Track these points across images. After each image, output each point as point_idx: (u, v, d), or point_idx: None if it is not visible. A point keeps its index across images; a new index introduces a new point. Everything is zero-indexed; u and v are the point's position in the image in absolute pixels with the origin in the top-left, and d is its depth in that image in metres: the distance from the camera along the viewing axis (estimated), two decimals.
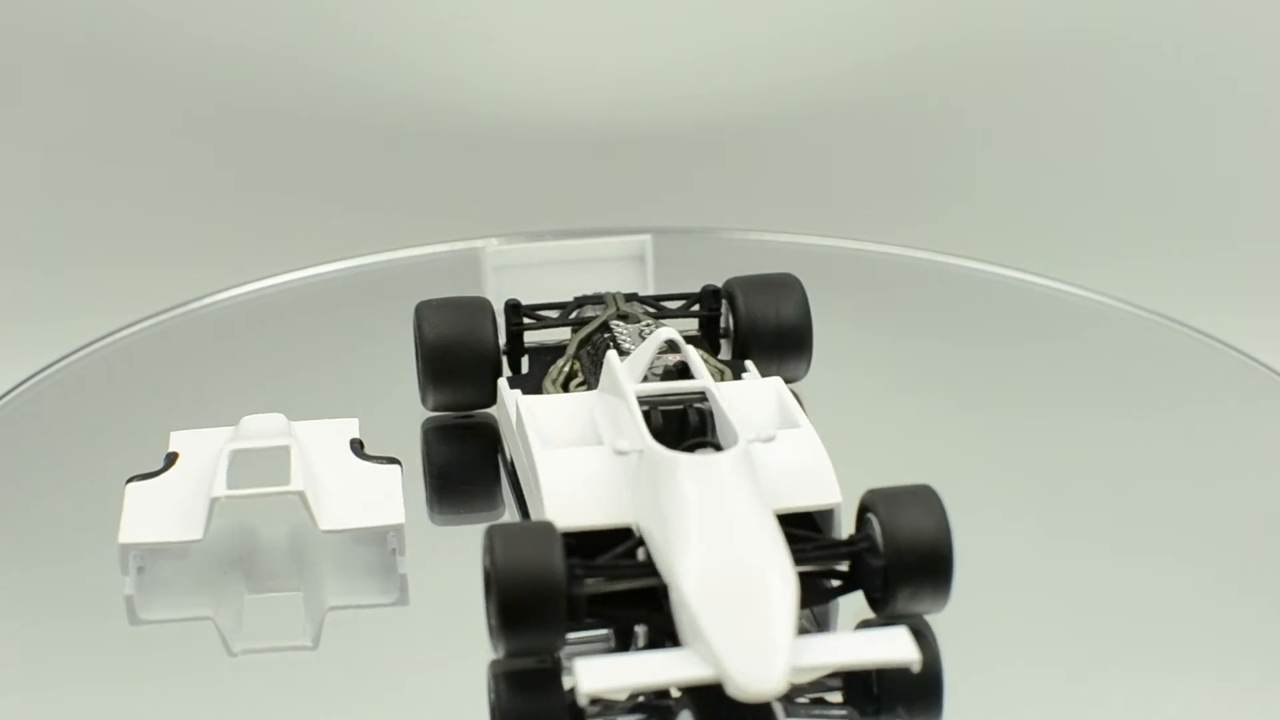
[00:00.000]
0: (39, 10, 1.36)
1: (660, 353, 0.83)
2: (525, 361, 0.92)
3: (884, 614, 0.75)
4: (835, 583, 0.75)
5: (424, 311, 0.90)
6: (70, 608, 0.81)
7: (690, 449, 0.76)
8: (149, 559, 0.81)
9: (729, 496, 0.72)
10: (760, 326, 0.91)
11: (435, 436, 0.91)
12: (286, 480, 0.80)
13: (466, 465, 0.90)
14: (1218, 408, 0.98)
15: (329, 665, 0.78)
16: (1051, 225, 1.44)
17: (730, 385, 0.84)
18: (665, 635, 0.72)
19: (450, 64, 1.38)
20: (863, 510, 0.75)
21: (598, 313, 0.91)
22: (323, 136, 1.39)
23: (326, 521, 0.80)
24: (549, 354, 0.90)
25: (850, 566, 0.75)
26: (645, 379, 0.81)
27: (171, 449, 0.85)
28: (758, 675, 0.67)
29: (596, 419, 0.81)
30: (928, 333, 1.05)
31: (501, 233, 1.14)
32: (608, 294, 0.92)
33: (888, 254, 1.15)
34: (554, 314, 0.92)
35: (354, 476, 0.83)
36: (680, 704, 0.72)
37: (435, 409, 0.91)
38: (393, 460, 0.85)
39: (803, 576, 0.73)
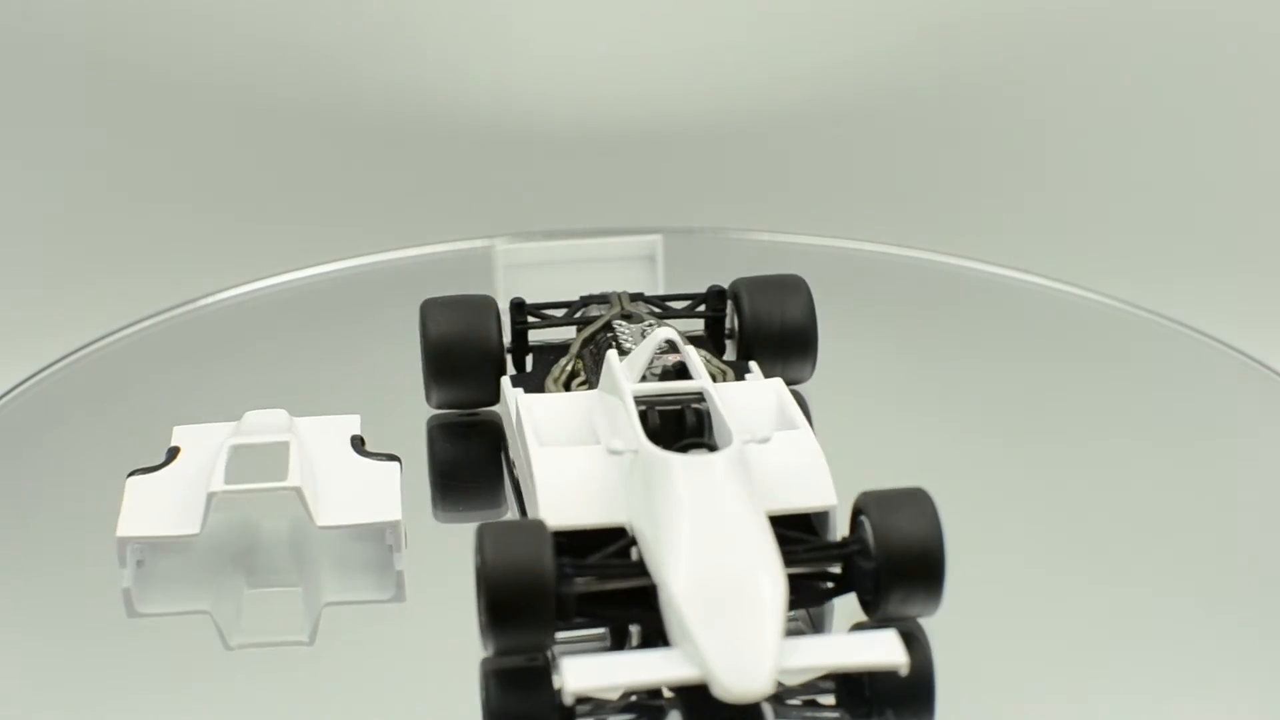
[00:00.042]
0: (39, 10, 1.36)
1: (661, 352, 0.83)
2: (530, 360, 0.92)
3: (876, 617, 0.74)
4: (829, 585, 0.75)
5: (429, 309, 0.90)
6: (70, 600, 0.81)
7: (684, 449, 0.76)
8: (149, 552, 0.81)
9: (721, 497, 0.72)
10: (765, 328, 0.91)
11: (440, 434, 0.91)
12: (285, 476, 0.81)
13: (470, 463, 0.91)
14: (1218, 409, 0.97)
15: (324, 661, 0.78)
16: (1053, 226, 1.44)
17: (730, 386, 0.83)
18: (657, 635, 0.72)
19: (455, 63, 1.39)
20: (856, 513, 0.75)
21: (603, 312, 0.91)
22: (329, 136, 1.40)
23: (323, 517, 0.81)
24: (554, 353, 0.90)
25: (842, 569, 0.75)
26: (644, 379, 0.81)
27: (174, 443, 0.86)
28: (744, 676, 0.67)
29: (595, 418, 0.81)
30: (934, 335, 1.05)
31: (508, 232, 1.14)
32: (613, 293, 0.92)
33: (900, 256, 1.14)
34: (559, 313, 0.92)
35: (353, 473, 0.84)
36: (672, 704, 0.72)
37: (439, 407, 0.91)
38: (392, 457, 0.85)
39: (796, 578, 0.73)
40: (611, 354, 0.83)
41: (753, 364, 0.89)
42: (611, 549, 0.74)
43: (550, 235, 1.06)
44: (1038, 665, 0.77)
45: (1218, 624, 0.80)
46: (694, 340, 0.90)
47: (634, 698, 0.72)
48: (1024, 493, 0.89)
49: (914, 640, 0.75)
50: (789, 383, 0.91)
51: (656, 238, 0.99)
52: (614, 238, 0.99)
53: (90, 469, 0.90)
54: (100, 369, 1.01)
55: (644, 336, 0.86)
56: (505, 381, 0.88)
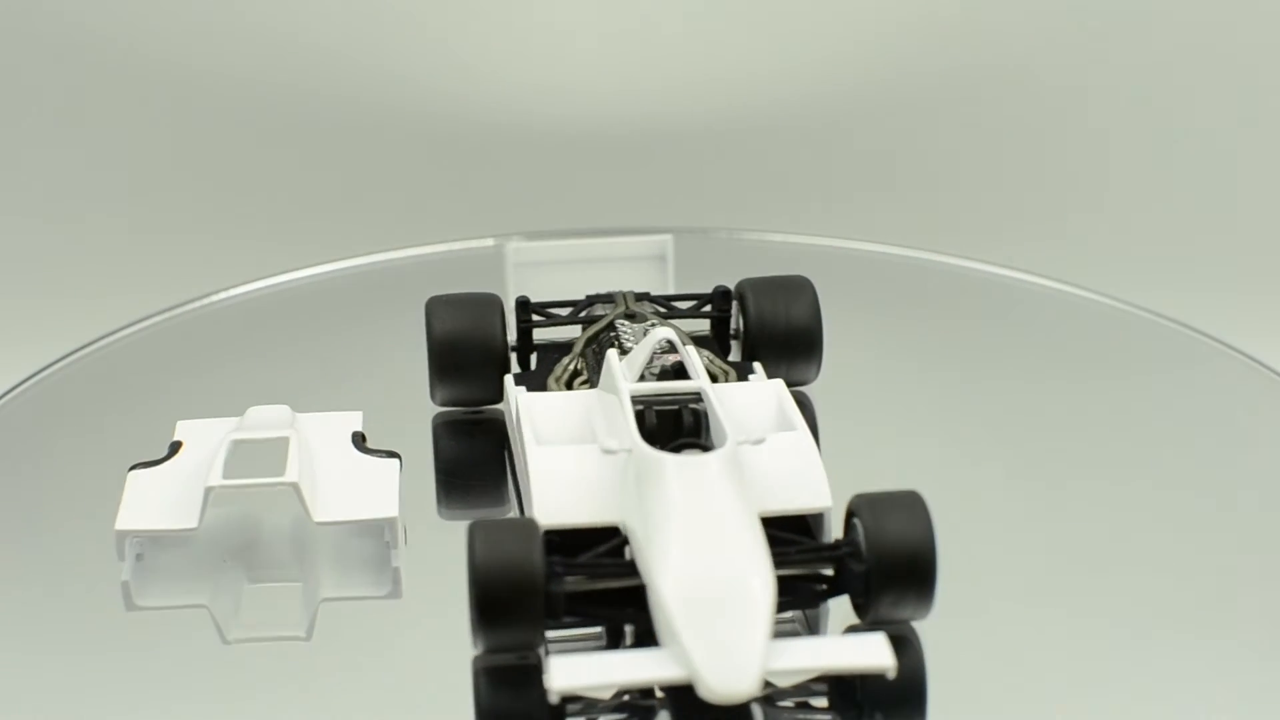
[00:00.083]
0: (39, 10, 1.37)
1: (662, 352, 0.83)
2: (534, 359, 0.92)
3: (868, 620, 0.74)
4: (821, 587, 0.75)
5: (434, 307, 0.91)
6: (70, 593, 0.82)
7: (678, 449, 0.76)
8: (148, 546, 0.82)
9: (712, 498, 0.72)
10: (770, 328, 0.91)
11: (444, 432, 0.92)
12: (284, 471, 0.81)
13: (474, 461, 0.91)
14: (1218, 409, 0.97)
15: (320, 656, 0.78)
16: (1053, 226, 1.43)
17: (729, 387, 0.83)
18: (649, 635, 0.72)
19: (455, 63, 1.39)
20: (849, 515, 0.75)
21: (607, 311, 0.91)
22: (331, 137, 1.40)
23: (321, 513, 0.81)
24: (559, 351, 0.90)
25: (835, 571, 0.75)
26: (643, 378, 0.81)
27: (176, 438, 0.86)
28: (729, 678, 0.67)
29: (594, 418, 0.81)
30: (940, 336, 1.05)
31: (511, 232, 1.14)
32: (617, 293, 0.92)
33: (907, 257, 1.14)
34: (564, 311, 0.92)
35: (352, 469, 0.84)
36: (664, 704, 0.72)
37: (443, 404, 0.92)
38: (393, 454, 0.85)
39: (788, 580, 0.73)
40: (611, 353, 0.83)
41: (756, 365, 0.89)
42: (603, 548, 0.74)
43: (562, 235, 1.06)
44: (1031, 670, 0.77)
45: (1217, 626, 0.80)
46: (698, 341, 0.90)
47: (626, 697, 0.73)
48: (1025, 494, 0.89)
49: (906, 643, 0.74)
50: (794, 384, 0.91)
51: (667, 237, 0.99)
52: (624, 237, 0.99)
53: (95, 464, 0.90)
54: (109, 366, 1.02)
55: (645, 336, 0.86)
56: (509, 380, 0.88)
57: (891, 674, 0.69)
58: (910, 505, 0.73)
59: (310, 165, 1.41)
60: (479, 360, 0.90)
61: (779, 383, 0.84)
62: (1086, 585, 0.82)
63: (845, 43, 1.39)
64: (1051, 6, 1.41)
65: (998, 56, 1.41)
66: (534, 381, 0.87)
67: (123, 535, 0.80)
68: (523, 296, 0.92)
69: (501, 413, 0.91)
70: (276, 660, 0.78)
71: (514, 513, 0.86)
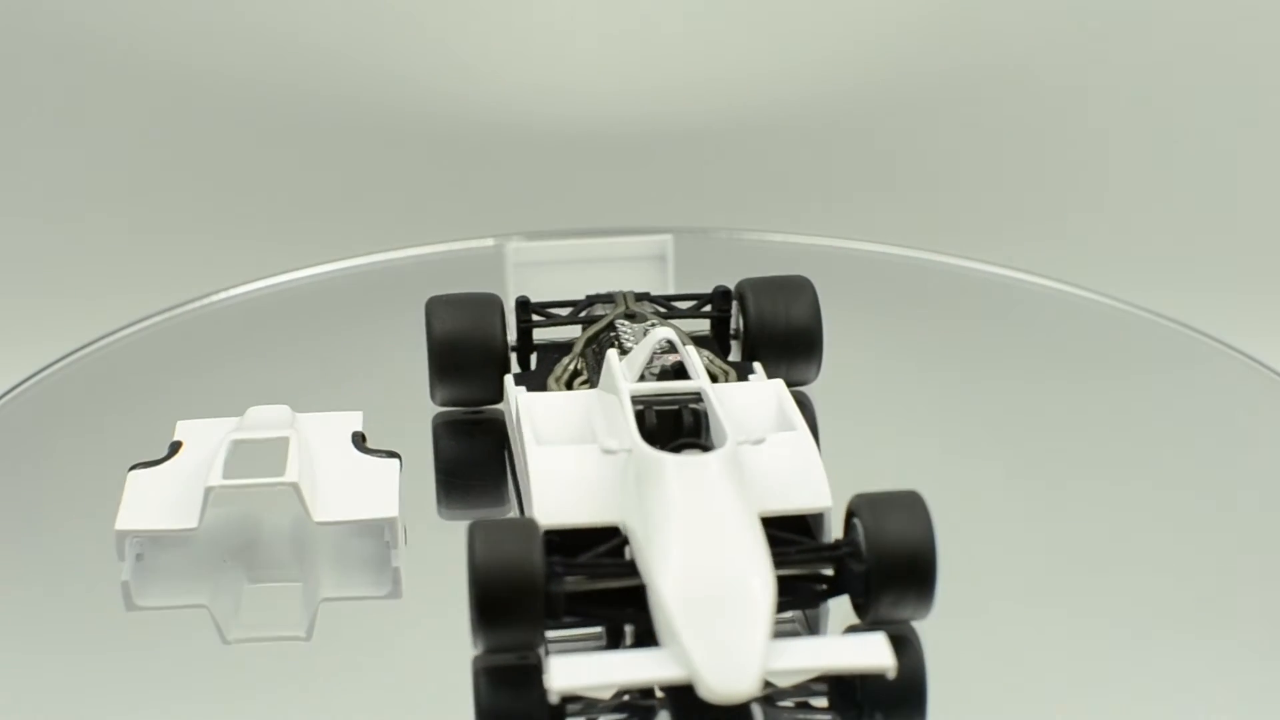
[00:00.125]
0: (39, 9, 1.37)
1: (663, 351, 0.83)
2: (535, 359, 0.92)
3: (868, 620, 0.74)
4: (822, 587, 0.75)
5: (434, 307, 0.91)
6: (71, 592, 0.82)
7: (677, 449, 0.76)
8: (149, 546, 0.82)
9: (712, 498, 0.72)
10: (770, 329, 0.91)
11: (445, 432, 0.92)
12: (284, 471, 0.81)
13: (474, 461, 0.91)
14: (1218, 408, 0.97)
15: (320, 656, 0.78)
16: (1053, 226, 1.43)
17: (729, 387, 0.83)
18: (649, 635, 0.72)
19: (457, 64, 1.39)
20: (849, 515, 0.75)
21: (607, 311, 0.91)
22: (336, 136, 1.40)
23: (321, 513, 0.81)
24: (559, 351, 0.90)
25: (834, 571, 0.75)
26: (643, 378, 0.81)
27: (176, 438, 0.86)
28: (729, 678, 0.67)
29: (594, 418, 0.81)
30: (940, 336, 1.05)
31: (512, 232, 1.14)
32: (618, 293, 0.92)
33: (908, 257, 1.14)
34: (564, 311, 0.92)
35: (352, 469, 0.84)
36: (664, 704, 0.72)
37: (443, 404, 0.92)
38: (393, 454, 0.85)
39: (788, 580, 0.73)
40: (611, 353, 0.83)
41: (756, 365, 0.89)
42: (603, 548, 0.74)
43: (563, 235, 1.06)
44: (1031, 670, 0.77)
45: (1217, 626, 0.80)
46: (699, 341, 0.90)
47: (626, 697, 0.72)
48: (1025, 494, 0.89)
49: (906, 643, 0.74)
50: (794, 384, 0.91)
51: (667, 237, 0.99)
52: (625, 237, 0.99)
53: (95, 464, 0.90)
54: (110, 366, 1.02)
55: (646, 336, 0.86)
56: (509, 379, 0.88)
57: (891, 674, 0.69)
58: (910, 505, 0.73)
59: (311, 165, 1.41)
60: (479, 360, 0.90)
61: (779, 383, 0.84)
62: (1086, 585, 0.82)
63: (846, 42, 1.39)
64: (1052, 6, 1.41)
65: (998, 56, 1.41)
66: (534, 381, 0.87)
67: (123, 535, 0.80)
68: (523, 296, 0.92)
69: (502, 413, 0.91)
70: (276, 660, 0.78)
71: (514, 513, 0.86)
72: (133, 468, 0.84)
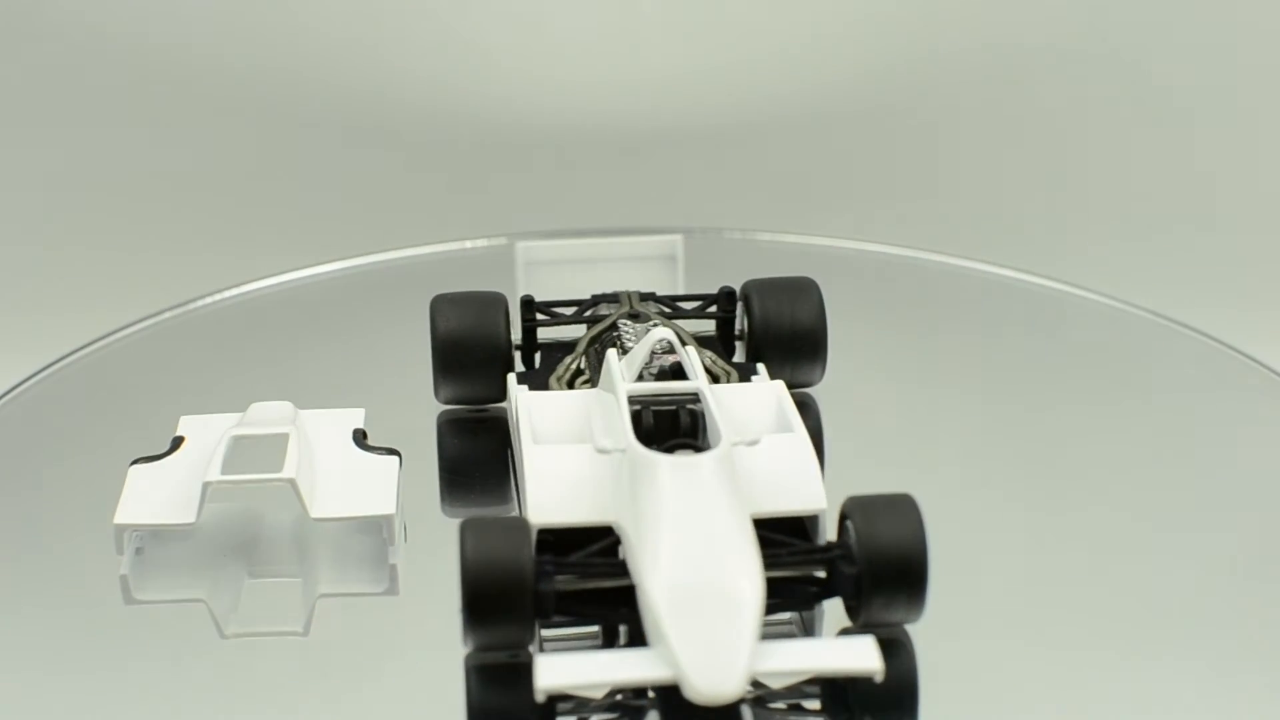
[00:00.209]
0: (41, 9, 1.37)
1: (664, 351, 0.83)
2: (539, 357, 0.92)
3: (859, 622, 0.74)
4: (814, 589, 0.75)
5: (438, 305, 0.91)
6: (71, 586, 0.82)
7: (670, 449, 0.76)
8: (148, 540, 0.82)
9: (704, 498, 0.72)
10: (774, 330, 0.91)
11: (449, 430, 0.92)
12: (282, 468, 0.81)
13: (479, 459, 0.91)
14: (1218, 408, 0.97)
15: (316, 652, 0.78)
16: (1056, 227, 1.43)
17: (729, 388, 0.83)
18: (641, 635, 0.72)
19: (459, 64, 1.39)
20: (842, 517, 0.74)
21: (612, 311, 0.91)
22: (339, 136, 1.40)
23: (318, 509, 0.81)
24: (563, 350, 0.90)
25: (827, 573, 0.74)
26: (641, 378, 0.81)
27: (179, 433, 0.86)
28: (714, 678, 0.67)
29: (592, 417, 0.81)
30: (947, 337, 1.05)
31: (517, 232, 1.14)
32: (622, 293, 0.92)
33: (916, 259, 1.14)
34: (569, 311, 0.93)
35: (352, 466, 0.84)
36: (654, 704, 0.72)
37: (447, 402, 0.92)
38: (393, 451, 0.85)
39: (781, 581, 0.73)
40: (611, 353, 0.83)
41: (760, 366, 0.89)
42: (595, 547, 0.74)
43: (573, 234, 1.06)
44: (1025, 675, 0.77)
45: (1214, 630, 0.79)
46: (704, 341, 0.90)
47: (619, 696, 0.72)
48: (1027, 496, 0.88)
49: (899, 647, 0.74)
50: (799, 385, 0.91)
51: (677, 238, 0.99)
52: (635, 237, 1.00)
53: (103, 459, 0.90)
54: (117, 363, 1.02)
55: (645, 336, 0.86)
56: (512, 378, 0.88)
57: (879, 677, 0.69)
58: (903, 508, 0.73)
59: (315, 165, 1.41)
60: (482, 358, 0.90)
61: (779, 384, 0.84)
62: (1086, 586, 0.82)
63: (851, 42, 1.39)
64: (1059, 6, 1.40)
65: (1007, 56, 1.40)
66: (537, 380, 0.87)
67: (121, 529, 0.81)
68: (527, 295, 0.92)
69: (505, 411, 0.91)
70: (273, 654, 0.79)
71: (516, 511, 0.86)
72: (134, 462, 0.84)
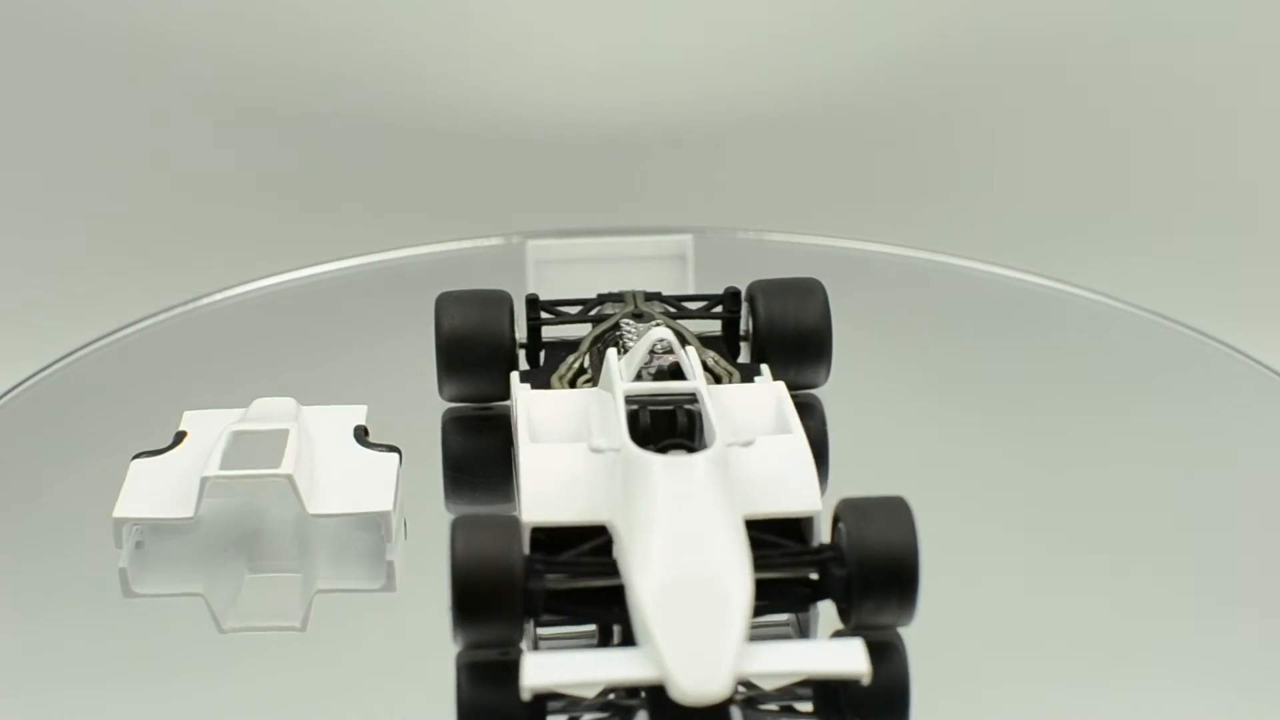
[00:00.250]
0: (42, 9, 1.38)
1: (664, 351, 0.83)
2: (543, 356, 0.92)
3: (851, 625, 0.74)
4: (806, 591, 0.75)
5: (443, 303, 0.91)
6: (71, 579, 0.83)
7: (664, 449, 0.76)
8: (149, 534, 0.82)
9: (695, 499, 0.72)
10: (779, 331, 0.90)
11: (454, 427, 0.92)
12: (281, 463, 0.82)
13: (483, 457, 0.91)
14: (1218, 408, 0.96)
15: (312, 646, 0.79)
16: (1057, 227, 1.42)
17: (728, 388, 0.83)
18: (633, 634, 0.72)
19: (461, 65, 1.39)
20: (835, 520, 0.74)
21: (617, 310, 0.91)
22: (345, 136, 1.41)
23: (315, 505, 0.81)
24: (567, 349, 0.90)
25: (819, 575, 0.74)
26: (640, 378, 0.81)
27: (182, 428, 0.87)
28: (699, 679, 0.67)
29: (590, 416, 0.81)
30: (954, 339, 1.04)
31: (526, 231, 1.14)
32: (627, 292, 0.92)
33: (924, 260, 1.14)
34: (574, 310, 0.93)
35: (351, 463, 0.84)
36: (645, 704, 0.72)
37: (451, 400, 0.92)
38: (393, 449, 0.85)
39: (773, 583, 0.73)
40: (611, 353, 0.83)
41: (764, 367, 0.89)
42: (586, 546, 0.74)
43: (585, 233, 1.06)
44: (1019, 678, 0.76)
45: (1212, 633, 0.79)
46: (709, 342, 0.90)
47: (612, 696, 0.72)
48: (1028, 499, 0.88)
49: (892, 650, 0.74)
50: (804, 387, 0.91)
51: (687, 238, 0.99)
52: (645, 236, 1.00)
53: (109, 454, 0.91)
54: (123, 359, 1.03)
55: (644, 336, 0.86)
56: (514, 377, 0.88)
57: (865, 680, 0.69)
58: (894, 511, 0.73)
59: (320, 164, 1.41)
60: (486, 356, 0.90)
61: (780, 385, 0.84)
62: (1086, 586, 0.81)
63: (859, 42, 1.39)
64: (1067, 6, 1.40)
65: (1014, 56, 1.40)
66: (541, 379, 0.87)
67: (120, 522, 0.81)
68: (532, 294, 0.92)
69: (510, 409, 0.91)
70: (267, 648, 0.79)
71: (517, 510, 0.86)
72: (136, 456, 0.85)
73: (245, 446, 0.83)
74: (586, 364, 0.87)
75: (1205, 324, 1.03)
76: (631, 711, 0.72)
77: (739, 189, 1.40)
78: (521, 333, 0.92)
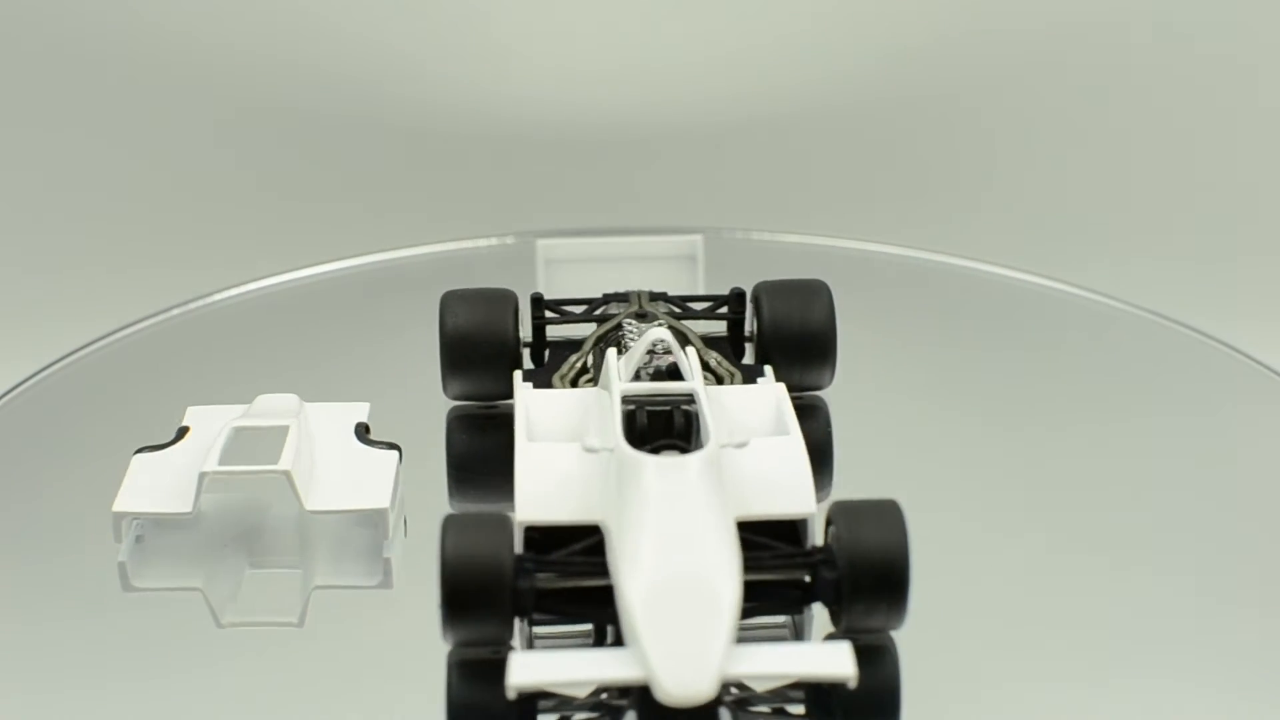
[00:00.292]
0: (41, 9, 1.38)
1: (664, 351, 0.83)
2: (548, 355, 0.92)
3: (842, 628, 0.74)
4: (798, 593, 0.75)
5: (448, 301, 0.91)
6: (71, 573, 0.83)
7: (658, 450, 0.76)
8: (149, 528, 0.83)
9: (686, 499, 0.72)
10: (783, 332, 0.90)
11: (458, 426, 0.92)
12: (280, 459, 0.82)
13: (486, 455, 0.91)
14: (1218, 408, 0.96)
15: (309, 642, 0.79)
16: (1057, 227, 1.42)
17: (727, 389, 0.83)
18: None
19: (470, 67, 1.39)
20: (828, 522, 0.74)
21: (621, 310, 0.91)
22: (352, 135, 1.41)
23: (313, 502, 0.82)
24: (570, 349, 0.90)
25: (810, 578, 0.74)
26: (639, 378, 0.82)
27: (184, 423, 0.87)
28: (684, 680, 0.67)
29: (588, 416, 0.82)
30: (961, 341, 1.04)
31: (531, 231, 1.15)
32: (632, 292, 0.92)
33: (928, 260, 1.13)
34: (579, 309, 0.93)
35: (351, 460, 0.85)
36: (634, 704, 0.72)
37: (455, 398, 0.92)
38: (393, 446, 0.86)
39: (764, 585, 0.73)
40: (610, 352, 0.83)
41: (767, 368, 0.89)
42: (577, 546, 0.74)
43: (595, 232, 1.06)
44: (1013, 682, 0.76)
45: (1212, 633, 0.79)
46: (713, 343, 0.90)
47: (604, 695, 0.72)
48: (1028, 500, 0.88)
49: (883, 653, 0.74)
50: (808, 388, 0.91)
51: (697, 238, 0.99)
52: (655, 236, 1.00)
53: (113, 449, 0.91)
54: (129, 356, 1.03)
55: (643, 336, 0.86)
56: (517, 375, 0.89)
57: (852, 683, 0.68)
58: (886, 514, 0.73)
59: (326, 164, 1.42)
60: (490, 355, 0.90)
61: (780, 386, 0.84)
62: (1085, 587, 0.81)
63: (863, 43, 1.39)
64: (1067, 6, 1.39)
65: (1018, 56, 1.39)
66: (543, 378, 0.88)
67: (119, 517, 0.81)
68: (537, 293, 0.93)
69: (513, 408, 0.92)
70: (263, 644, 0.79)
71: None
72: (138, 451, 0.85)
73: (246, 442, 0.84)
74: (589, 363, 0.88)
75: (1205, 324, 1.02)
76: (621, 711, 0.72)
77: (739, 189, 1.40)
78: (526, 332, 0.92)
